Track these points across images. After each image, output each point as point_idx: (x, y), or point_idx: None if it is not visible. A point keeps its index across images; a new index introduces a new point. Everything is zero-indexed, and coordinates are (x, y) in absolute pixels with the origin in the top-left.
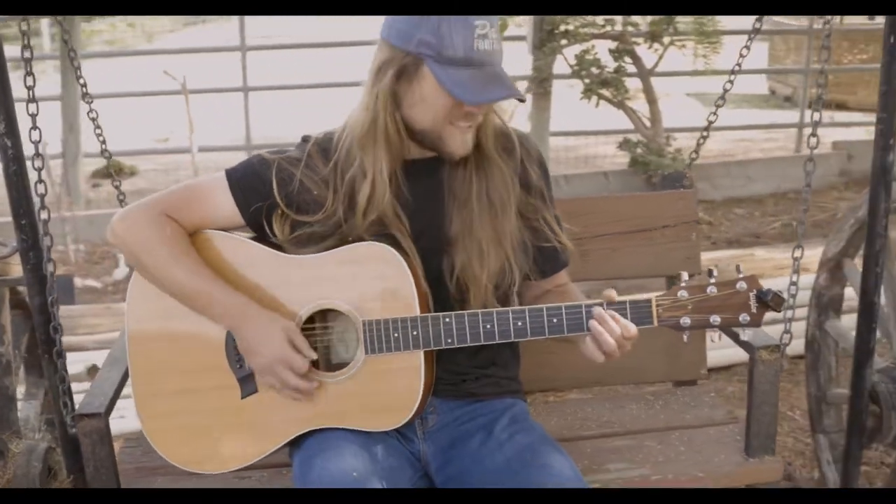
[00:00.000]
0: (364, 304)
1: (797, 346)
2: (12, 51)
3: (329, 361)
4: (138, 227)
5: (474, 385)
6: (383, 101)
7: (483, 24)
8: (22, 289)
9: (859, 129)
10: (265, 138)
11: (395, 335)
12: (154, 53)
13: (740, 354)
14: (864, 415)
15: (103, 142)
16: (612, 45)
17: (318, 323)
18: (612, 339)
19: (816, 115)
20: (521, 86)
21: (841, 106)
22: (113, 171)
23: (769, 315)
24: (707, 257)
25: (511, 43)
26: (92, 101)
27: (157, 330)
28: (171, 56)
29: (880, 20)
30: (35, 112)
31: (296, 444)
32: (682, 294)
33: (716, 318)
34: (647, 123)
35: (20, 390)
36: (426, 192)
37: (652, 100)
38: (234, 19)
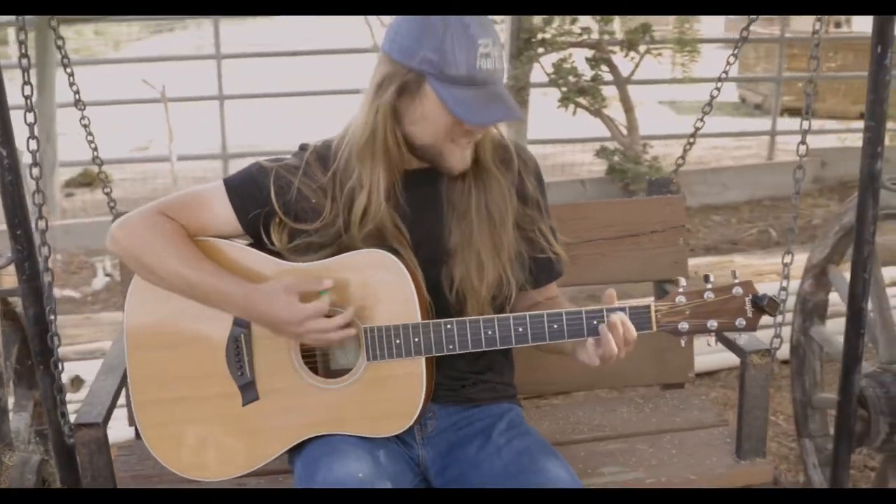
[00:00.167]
0: (365, 311)
1: (782, 351)
2: None
3: (328, 368)
4: (137, 229)
5: (472, 390)
6: (383, 115)
7: (486, 43)
8: (12, 299)
9: (831, 136)
10: (241, 147)
11: (397, 341)
12: (134, 62)
13: (723, 360)
14: (852, 419)
15: (95, 149)
16: (589, 53)
17: None
18: (616, 344)
19: (805, 124)
20: None
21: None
22: (103, 178)
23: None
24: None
25: None
26: (84, 108)
27: (156, 337)
28: (139, 64)
29: (851, 28)
30: (32, 121)
31: (297, 449)
32: (681, 299)
33: (713, 323)
34: (624, 131)
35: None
36: (425, 203)
37: (628, 108)
38: (205, 27)
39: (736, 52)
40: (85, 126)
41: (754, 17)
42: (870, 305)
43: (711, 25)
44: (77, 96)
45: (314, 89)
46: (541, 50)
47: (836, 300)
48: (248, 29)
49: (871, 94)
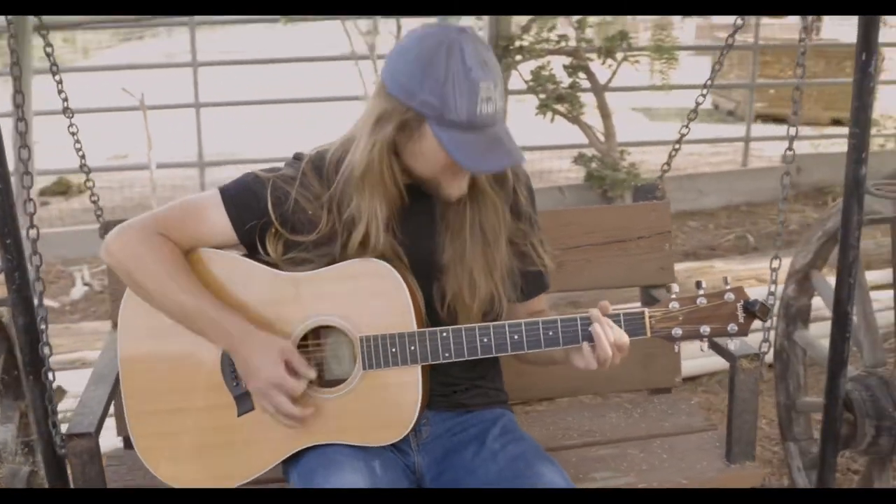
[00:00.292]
0: (360, 320)
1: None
2: None
3: (322, 378)
4: (133, 245)
5: (465, 396)
6: (380, 151)
7: (488, 87)
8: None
9: (805, 142)
10: (217, 154)
11: (393, 350)
12: (112, 69)
13: (705, 365)
14: (838, 422)
15: (83, 157)
16: (567, 60)
17: (310, 340)
18: (609, 345)
19: (791, 130)
20: None
21: (781, 120)
22: (91, 186)
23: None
24: None
25: None
26: (73, 116)
27: (150, 348)
28: (110, 72)
29: (823, 36)
30: (24, 130)
31: (292, 461)
32: (674, 305)
33: (706, 329)
34: (602, 138)
35: None
36: (419, 218)
37: (606, 115)
38: (176, 35)
39: (721, 59)
40: (73, 134)
41: (740, 24)
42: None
43: (681, 32)
44: (66, 104)
45: (290, 97)
46: (518, 57)
47: (819, 304)
48: (220, 37)
49: (856, 100)
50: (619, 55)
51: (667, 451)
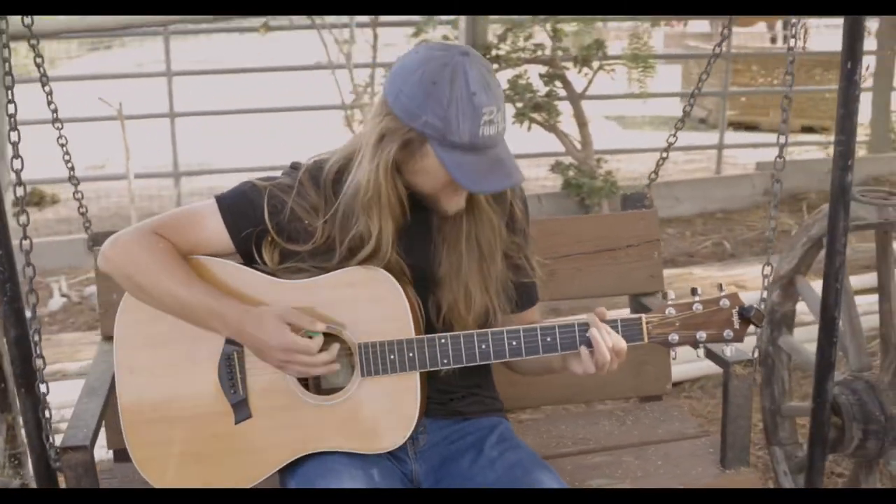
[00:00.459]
0: (359, 327)
1: None
2: None
3: (319, 385)
4: (129, 247)
5: (461, 403)
6: (384, 171)
7: (490, 110)
8: None
9: (776, 149)
10: (192, 165)
11: (392, 357)
12: (88, 79)
13: (688, 371)
14: (826, 426)
15: (71, 168)
16: (543, 69)
17: None
18: (607, 350)
19: (782, 138)
20: None
21: (752, 127)
22: (79, 199)
23: None
24: None
25: None
26: (62, 128)
27: (147, 357)
28: (80, 82)
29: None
30: (17, 140)
31: (290, 469)
32: (670, 311)
33: (702, 335)
34: (578, 146)
35: None
36: (417, 230)
37: (582, 123)
38: (148, 44)
39: (709, 68)
40: (62, 145)
41: (726, 33)
42: None
43: (649, 40)
44: (55, 114)
45: (266, 106)
46: (495, 66)
47: (803, 309)
48: (192, 46)
49: (842, 108)
50: (595, 64)
51: (661, 458)
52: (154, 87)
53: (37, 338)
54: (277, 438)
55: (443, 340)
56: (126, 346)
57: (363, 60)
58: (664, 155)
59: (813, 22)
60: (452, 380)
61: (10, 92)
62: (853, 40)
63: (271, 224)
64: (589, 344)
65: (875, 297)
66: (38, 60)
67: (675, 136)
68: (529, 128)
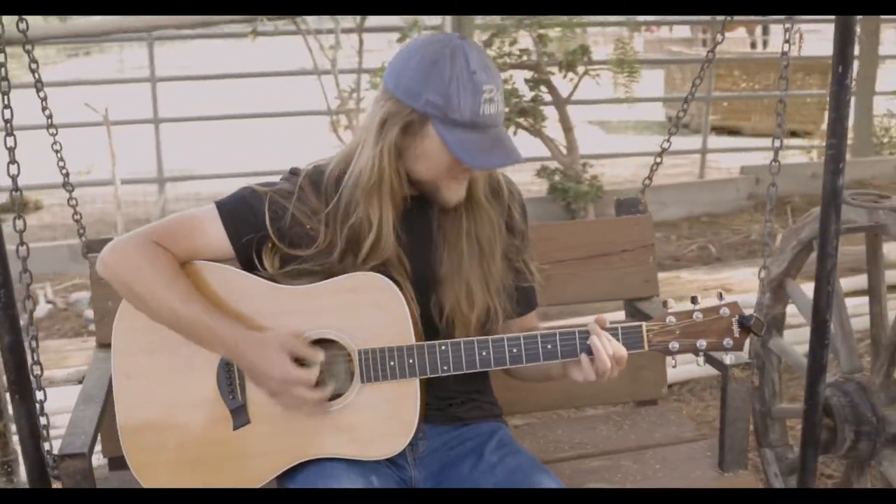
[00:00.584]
0: (359, 333)
1: None
2: None
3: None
4: (128, 255)
5: (460, 409)
6: (388, 155)
7: (490, 88)
8: None
9: (761, 154)
10: (176, 171)
11: (392, 363)
12: (74, 84)
13: (676, 375)
14: (818, 428)
15: (66, 175)
16: (528, 74)
17: None
18: (608, 358)
19: (776, 142)
20: None
21: (734, 132)
22: (74, 204)
23: None
24: None
25: None
26: (56, 133)
27: (145, 363)
28: (59, 88)
29: (770, 51)
30: (13, 146)
31: (288, 474)
32: (671, 320)
33: (702, 343)
34: (564, 151)
35: None
36: (417, 230)
37: (568, 128)
38: (127, 50)
39: (702, 73)
40: (56, 151)
41: (719, 39)
42: None
43: (648, 51)
44: (50, 120)
45: (251, 112)
46: None
47: (793, 312)
48: (174, 52)
49: (833, 112)
50: (581, 69)
51: (659, 462)
52: (137, 93)
53: (34, 344)
54: (276, 444)
55: (443, 347)
56: (123, 351)
57: (349, 66)
58: (658, 160)
59: (804, 27)
60: (451, 385)
61: (6, 97)
62: (844, 45)
63: (273, 230)
64: (589, 351)
65: (861, 300)
66: (34, 66)
67: (668, 140)
68: (515, 133)
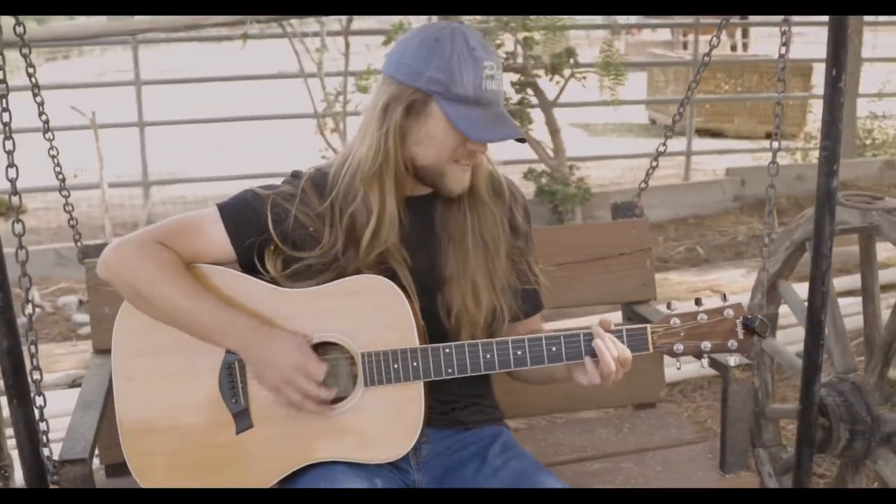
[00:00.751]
0: (362, 336)
1: None
2: None
3: None
4: (131, 255)
5: (463, 413)
6: (393, 136)
7: (491, 65)
8: None
9: (746, 155)
10: (160, 174)
11: (395, 366)
12: (60, 88)
13: (668, 376)
14: (813, 428)
15: (62, 180)
16: (515, 77)
17: None
18: (612, 360)
19: (775, 144)
20: None
21: (717, 134)
22: (70, 210)
23: None
24: None
25: None
26: (53, 139)
27: (146, 366)
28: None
29: (751, 51)
30: (12, 149)
31: (291, 479)
32: (675, 321)
33: (706, 345)
34: (551, 153)
35: None
36: (421, 229)
37: (554, 130)
38: (109, 54)
39: (697, 77)
40: (53, 157)
41: (715, 43)
42: None
43: (634, 53)
44: (46, 125)
45: (237, 115)
46: None
47: (786, 312)
48: (159, 56)
49: (827, 114)
50: (567, 72)
51: (660, 464)
52: (120, 97)
53: (33, 349)
54: (279, 448)
55: (447, 350)
56: (124, 354)
57: (335, 69)
58: (654, 164)
59: (776, 30)
60: (454, 389)
61: (3, 100)
62: (837, 47)
63: (276, 233)
64: (594, 354)
65: (852, 300)
66: (30, 70)
67: (664, 144)
68: None
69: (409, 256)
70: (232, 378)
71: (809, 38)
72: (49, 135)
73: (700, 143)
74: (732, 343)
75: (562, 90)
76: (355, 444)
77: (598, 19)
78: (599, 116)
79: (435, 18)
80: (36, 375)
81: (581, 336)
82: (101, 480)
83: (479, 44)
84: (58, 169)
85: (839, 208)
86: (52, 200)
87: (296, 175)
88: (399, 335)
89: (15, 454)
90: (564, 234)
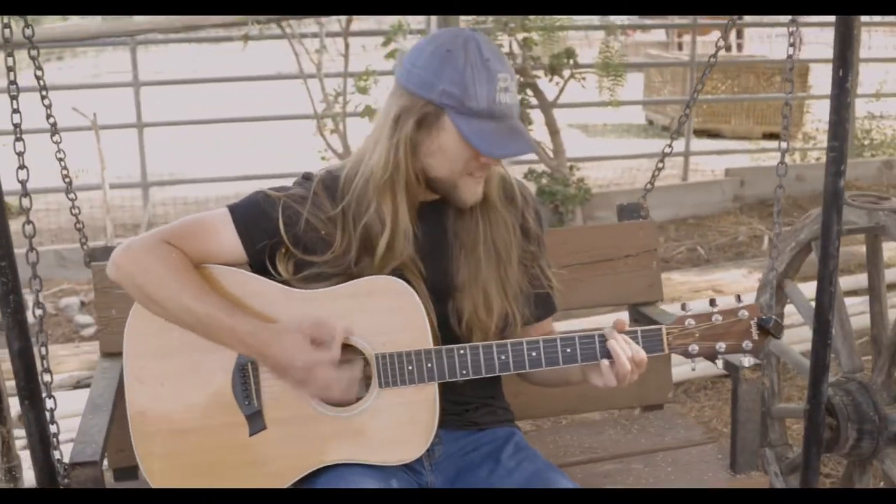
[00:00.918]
0: (376, 338)
1: None
2: None
3: None
4: (141, 256)
5: (475, 414)
6: (403, 148)
7: (504, 77)
8: None
9: (744, 156)
10: (160, 175)
11: (409, 368)
12: (58, 89)
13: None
14: (821, 427)
15: (69, 182)
16: None
17: None
18: (627, 361)
19: (783, 144)
20: None
21: (715, 134)
22: (76, 213)
23: None
24: None
25: None
26: (61, 142)
27: (157, 367)
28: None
29: (746, 52)
30: (23, 150)
31: (307, 481)
32: (690, 322)
33: (721, 346)
34: (551, 154)
35: None
36: (433, 235)
37: (554, 131)
38: (104, 56)
39: (703, 79)
40: (60, 160)
41: (720, 45)
42: None
43: (633, 55)
44: (54, 128)
45: (236, 116)
46: None
47: (791, 311)
48: (156, 57)
49: (834, 115)
50: (566, 72)
51: (671, 465)
52: (118, 98)
53: (43, 351)
54: (293, 450)
55: (462, 351)
56: (135, 356)
57: (334, 70)
58: (660, 164)
59: (777, 31)
60: (467, 391)
61: (14, 101)
62: (844, 48)
63: (287, 236)
64: (608, 355)
65: (857, 299)
66: (39, 73)
67: (670, 146)
68: None
69: (423, 267)
70: (245, 379)
71: (808, 38)
72: (56, 137)
73: (698, 144)
74: (747, 344)
75: (561, 91)
76: (369, 446)
77: (595, 20)
78: (597, 117)
79: (434, 19)
80: (46, 377)
81: (596, 337)
82: (109, 483)
83: (494, 54)
84: (65, 171)
85: (845, 208)
86: (52, 202)
87: (307, 177)
88: (413, 336)
89: (23, 455)
90: (571, 236)
